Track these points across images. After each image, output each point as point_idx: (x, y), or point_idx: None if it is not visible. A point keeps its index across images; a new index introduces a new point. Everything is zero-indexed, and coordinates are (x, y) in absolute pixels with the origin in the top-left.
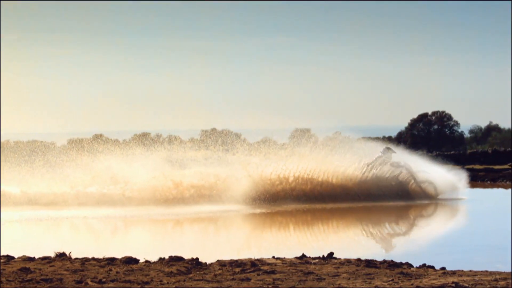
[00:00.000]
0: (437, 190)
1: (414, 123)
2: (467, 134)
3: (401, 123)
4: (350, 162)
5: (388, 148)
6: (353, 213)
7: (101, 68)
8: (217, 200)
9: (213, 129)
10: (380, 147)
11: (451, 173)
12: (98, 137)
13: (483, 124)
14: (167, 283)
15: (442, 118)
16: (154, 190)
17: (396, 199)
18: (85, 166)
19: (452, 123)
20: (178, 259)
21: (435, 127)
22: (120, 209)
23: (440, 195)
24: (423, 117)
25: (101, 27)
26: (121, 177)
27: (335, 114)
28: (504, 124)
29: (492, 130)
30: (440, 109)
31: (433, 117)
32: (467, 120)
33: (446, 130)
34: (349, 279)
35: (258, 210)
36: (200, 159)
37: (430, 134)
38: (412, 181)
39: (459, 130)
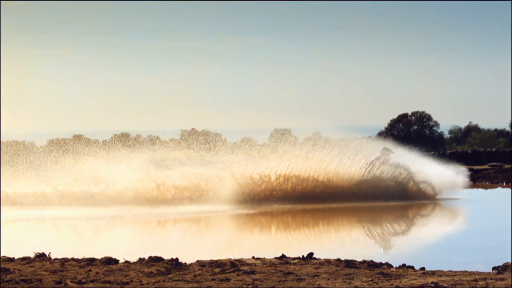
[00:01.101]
0: (435, 190)
1: (394, 124)
2: (446, 135)
3: (381, 123)
4: (349, 163)
5: (386, 149)
6: (336, 214)
7: (80, 68)
8: (200, 200)
9: (193, 129)
10: (363, 145)
11: (451, 170)
12: (78, 137)
13: (463, 124)
14: (147, 283)
15: (422, 119)
16: (137, 191)
17: (394, 199)
18: (68, 167)
19: (432, 123)
20: (158, 259)
21: (415, 127)
22: (102, 210)
23: (439, 194)
24: (402, 117)
25: (81, 28)
26: (104, 178)
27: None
28: (484, 125)
29: (471, 130)
30: (420, 109)
31: (413, 118)
32: (447, 120)
33: (426, 130)
34: (329, 279)
35: (241, 211)
36: (183, 159)
37: (410, 135)
38: (411, 182)
39: (439, 131)
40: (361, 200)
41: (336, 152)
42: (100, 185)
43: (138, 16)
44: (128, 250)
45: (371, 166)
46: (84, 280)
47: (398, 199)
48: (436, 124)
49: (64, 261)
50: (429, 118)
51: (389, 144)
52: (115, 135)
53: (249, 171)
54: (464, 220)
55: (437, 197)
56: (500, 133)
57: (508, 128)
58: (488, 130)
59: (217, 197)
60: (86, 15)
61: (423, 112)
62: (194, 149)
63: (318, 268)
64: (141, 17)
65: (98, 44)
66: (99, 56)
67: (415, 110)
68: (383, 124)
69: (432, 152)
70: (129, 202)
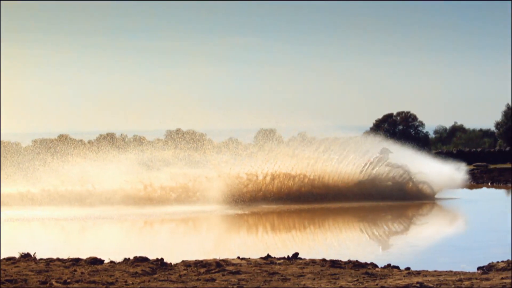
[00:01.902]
0: (433, 190)
1: (379, 124)
2: (432, 135)
3: (366, 123)
4: (346, 162)
5: (385, 149)
6: (323, 214)
7: (64, 68)
8: (187, 201)
9: (178, 130)
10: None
11: (450, 167)
12: (63, 137)
13: (448, 124)
14: (132, 283)
15: (407, 119)
16: (124, 192)
17: (392, 200)
18: (56, 169)
19: (417, 123)
20: (143, 259)
21: (400, 127)
22: (88, 210)
23: (438, 192)
24: (388, 117)
25: (64, 27)
26: (91, 179)
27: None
28: (469, 125)
29: (457, 130)
30: (405, 109)
31: (398, 118)
32: (432, 120)
33: (411, 130)
34: (314, 279)
35: (228, 211)
36: (171, 159)
37: (395, 135)
38: (410, 182)
39: (424, 131)
40: (358, 200)
41: (324, 149)
42: (87, 186)
43: (121, 16)
44: (113, 250)
45: (370, 166)
46: (69, 280)
47: (397, 199)
48: (422, 124)
49: (49, 261)
50: (414, 118)
51: (387, 144)
52: (101, 135)
53: (236, 171)
54: (449, 220)
55: (435, 196)
56: (485, 133)
57: (493, 128)
58: (473, 130)
59: (204, 198)
60: (69, 14)
61: (408, 112)
62: (182, 148)
63: (303, 268)
64: (123, 17)
65: (82, 44)
66: (83, 56)
67: (400, 110)
68: (369, 124)
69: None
70: (116, 203)
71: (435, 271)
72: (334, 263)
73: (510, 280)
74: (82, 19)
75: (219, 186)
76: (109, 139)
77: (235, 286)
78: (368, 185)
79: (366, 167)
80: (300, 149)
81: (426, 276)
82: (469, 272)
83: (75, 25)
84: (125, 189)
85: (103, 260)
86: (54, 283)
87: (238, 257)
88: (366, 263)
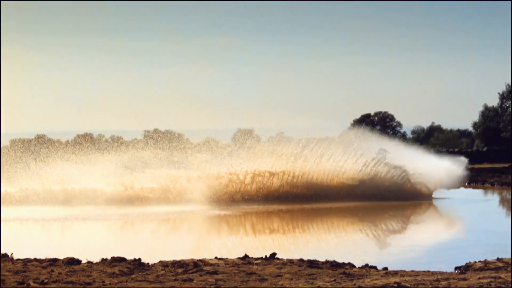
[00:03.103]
0: (430, 190)
1: (356, 124)
2: (409, 135)
3: (344, 124)
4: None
5: (383, 149)
6: (301, 214)
7: (40, 67)
8: (168, 201)
9: (156, 130)
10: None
11: (449, 163)
12: (40, 137)
13: (426, 125)
14: (109, 283)
15: (385, 119)
16: (104, 193)
17: (390, 200)
18: (37, 170)
19: (395, 123)
20: (121, 259)
21: (378, 127)
22: (68, 210)
23: (435, 190)
24: (365, 117)
25: (42, 27)
26: (72, 180)
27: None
28: (447, 125)
29: (434, 130)
30: (383, 109)
31: (376, 118)
32: (410, 120)
33: (389, 130)
34: (292, 279)
35: (208, 211)
36: (152, 160)
37: None
38: (408, 182)
39: (402, 131)
40: (353, 199)
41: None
42: (67, 187)
43: (97, 16)
44: (91, 251)
45: (368, 166)
46: (46, 280)
47: (394, 200)
48: (399, 124)
49: (26, 261)
50: (392, 118)
51: (385, 144)
52: (78, 135)
53: (217, 171)
54: (426, 221)
55: (432, 196)
56: (462, 133)
57: (470, 129)
58: (451, 131)
59: (185, 198)
60: (44, 15)
61: (386, 113)
62: (163, 149)
63: (281, 268)
64: (100, 17)
65: (59, 43)
66: (58, 56)
67: (378, 110)
68: (346, 124)
69: None
70: (97, 204)
71: (412, 271)
72: (312, 263)
73: (487, 280)
74: (59, 18)
75: (200, 186)
76: (87, 139)
77: (212, 286)
78: (367, 185)
79: (364, 167)
80: (281, 148)
81: (403, 276)
82: (446, 272)
83: (51, 25)
84: (106, 190)
85: (81, 261)
86: (31, 283)
87: (216, 257)
88: (343, 263)
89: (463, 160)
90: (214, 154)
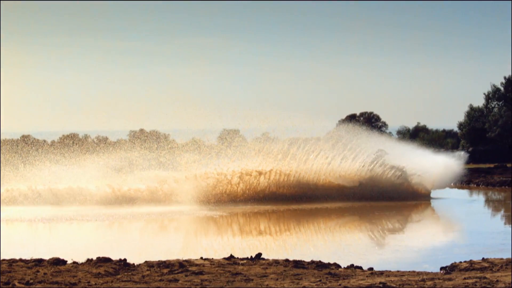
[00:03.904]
0: (428, 189)
1: (342, 124)
2: (395, 135)
3: (329, 124)
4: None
5: (381, 150)
6: (287, 215)
7: (22, 68)
8: (156, 202)
9: (142, 130)
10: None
11: (446, 158)
12: (25, 137)
13: (411, 125)
14: (95, 284)
15: (370, 119)
16: (91, 194)
17: (389, 200)
18: (24, 172)
19: (380, 124)
20: (106, 260)
21: (363, 128)
22: (54, 211)
23: (433, 189)
24: (351, 118)
25: (28, 27)
26: (60, 180)
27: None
28: (432, 125)
29: (419, 131)
30: (368, 110)
31: (361, 118)
32: (395, 121)
33: (374, 131)
34: (277, 279)
35: (196, 212)
36: (139, 160)
37: None
38: (406, 183)
39: (387, 131)
40: (352, 200)
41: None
42: (54, 187)
43: (83, 15)
44: (77, 251)
45: (367, 166)
46: (32, 281)
47: (393, 200)
48: (385, 124)
49: (12, 262)
50: (377, 118)
51: (382, 145)
52: (63, 135)
53: (205, 171)
54: (412, 221)
55: (430, 194)
56: (448, 133)
57: (456, 129)
58: (436, 131)
59: (172, 199)
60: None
61: (371, 113)
62: (150, 149)
63: (266, 268)
64: (85, 17)
65: (43, 43)
66: (42, 56)
67: (363, 110)
68: (332, 124)
69: None
70: (83, 204)
71: (398, 271)
72: (297, 264)
73: (473, 280)
74: (42, 18)
75: (187, 187)
76: (73, 140)
77: (198, 287)
78: (368, 185)
79: (364, 167)
80: (267, 146)
81: (389, 276)
82: (432, 272)
83: (34, 25)
84: (94, 193)
85: (66, 261)
86: (16, 284)
87: (201, 258)
88: (329, 264)
89: (463, 154)
90: (202, 154)
